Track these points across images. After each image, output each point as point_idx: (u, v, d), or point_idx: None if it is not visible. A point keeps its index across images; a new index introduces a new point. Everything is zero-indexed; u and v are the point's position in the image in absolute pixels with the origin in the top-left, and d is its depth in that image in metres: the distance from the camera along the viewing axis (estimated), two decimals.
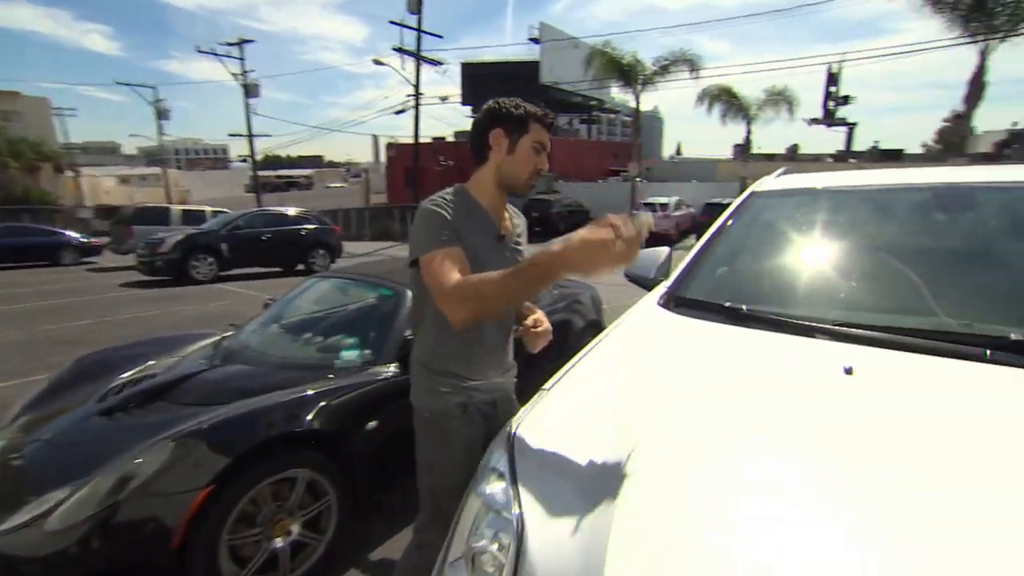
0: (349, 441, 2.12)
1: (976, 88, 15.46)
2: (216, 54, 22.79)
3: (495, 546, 0.81)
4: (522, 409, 1.09)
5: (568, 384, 1.17)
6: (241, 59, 23.10)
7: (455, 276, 1.15)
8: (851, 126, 26.03)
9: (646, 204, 18.27)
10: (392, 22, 20.90)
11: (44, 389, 2.55)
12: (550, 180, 23.50)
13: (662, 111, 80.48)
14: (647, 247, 1.43)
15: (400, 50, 21.23)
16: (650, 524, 0.72)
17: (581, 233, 0.95)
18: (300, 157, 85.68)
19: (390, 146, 32.90)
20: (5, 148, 26.00)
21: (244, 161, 28.97)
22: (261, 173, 30.58)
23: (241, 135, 24.38)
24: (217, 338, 2.95)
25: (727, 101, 21.84)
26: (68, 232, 14.96)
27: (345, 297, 3.18)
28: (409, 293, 2.67)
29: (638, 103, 20.74)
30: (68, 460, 1.87)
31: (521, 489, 0.85)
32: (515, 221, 1.49)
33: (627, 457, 0.86)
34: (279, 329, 2.94)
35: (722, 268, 1.81)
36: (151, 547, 1.64)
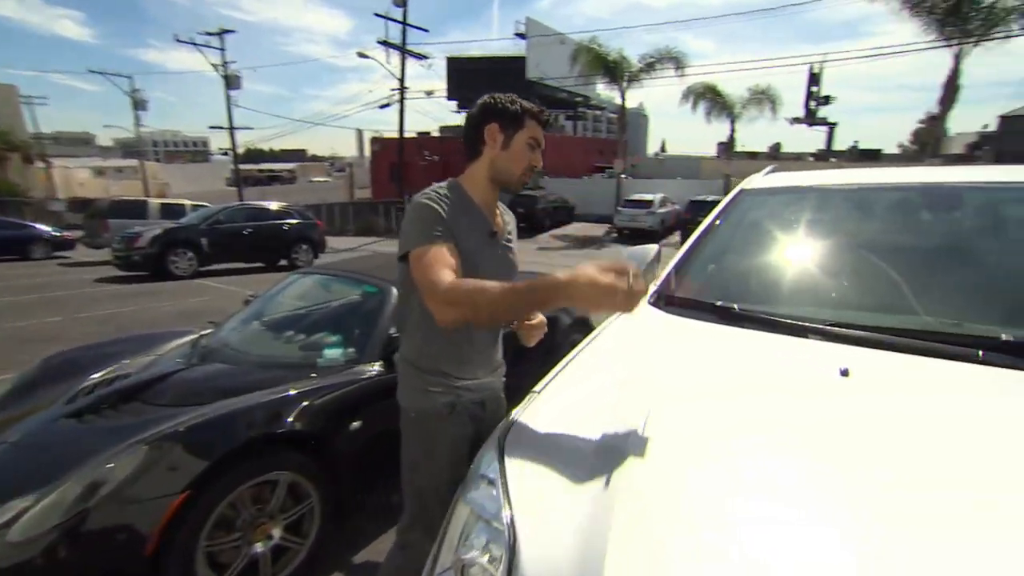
0: (332, 442, 2.07)
1: (950, 91, 15.83)
2: (196, 44, 22.23)
3: (485, 558, 0.77)
4: (513, 412, 1.06)
5: (559, 386, 1.14)
6: (222, 49, 22.58)
7: (446, 276, 1.12)
8: (832, 126, 26.49)
9: (631, 201, 18.32)
10: (377, 15, 20.64)
11: (8, 390, 2.44)
12: (536, 176, 23.48)
13: (647, 108, 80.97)
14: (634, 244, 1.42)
15: (385, 43, 20.97)
16: (649, 536, 0.69)
17: (591, 272, 0.94)
18: (283, 151, 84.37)
19: (374, 140, 32.55)
20: None
21: (225, 154, 28.34)
22: (243, 167, 30.01)
23: (222, 127, 23.88)
24: (195, 336, 2.86)
25: (712, 99, 21.99)
26: (39, 225, 14.48)
27: (328, 294, 3.11)
28: (394, 290, 2.65)
29: (624, 100, 20.78)
30: (33, 466, 1.78)
31: (513, 497, 0.81)
32: (505, 218, 1.46)
33: (623, 462, 0.84)
34: (260, 327, 2.86)
35: (712, 266, 1.80)
36: (123, 556, 1.57)
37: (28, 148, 29.02)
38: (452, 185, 1.33)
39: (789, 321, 1.29)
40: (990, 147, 26.83)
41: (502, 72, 29.27)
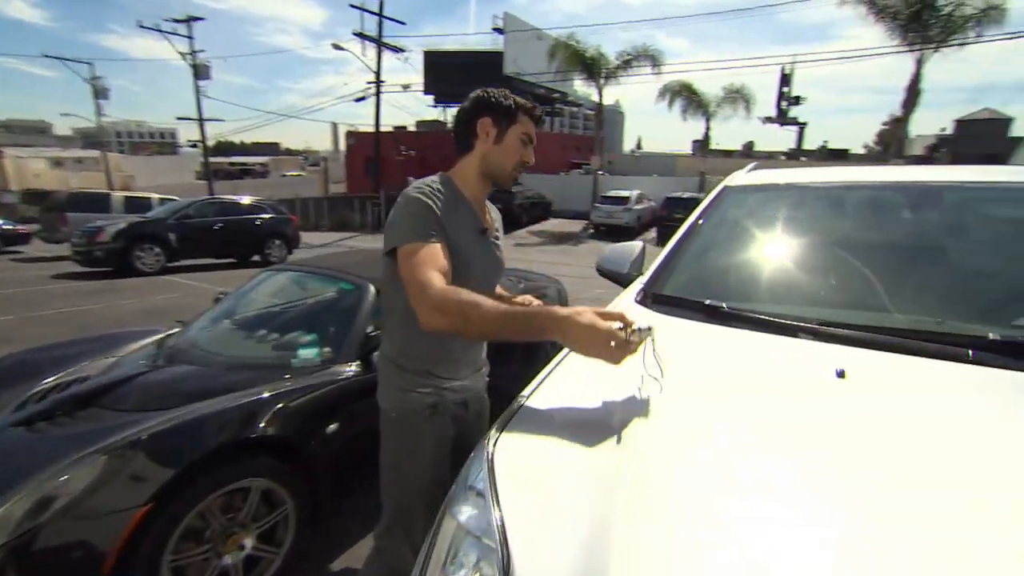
0: (308, 446, 1.99)
1: (912, 95, 16.47)
2: (161, 31, 21.38)
3: None
4: (500, 418, 1.00)
5: (549, 390, 1.09)
6: (190, 37, 21.79)
7: (438, 279, 1.09)
8: (802, 126, 27.21)
9: (607, 197, 18.43)
10: (353, 5, 20.26)
11: None
12: None
13: (623, 106, 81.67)
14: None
15: (361, 35, 20.61)
16: (656, 553, 0.65)
17: (592, 316, 0.97)
18: (255, 144, 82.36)
19: (350, 134, 32.01)
20: None
21: (194, 146, 27.23)
22: (213, 160, 29.13)
23: (191, 119, 23.05)
24: (161, 336, 2.72)
25: (687, 97, 22.25)
26: None
27: (303, 291, 3.00)
28: (371, 287, 2.57)
29: (601, 97, 20.86)
30: None
31: (505, 511, 0.76)
32: (493, 215, 1.43)
33: (620, 470, 0.80)
34: (231, 326, 2.74)
35: (698, 264, 1.77)
36: (79, 575, 1.46)
37: None
38: (444, 180, 1.29)
39: (780, 320, 1.27)
40: (947, 149, 27.97)
41: (479, 67, 29.05)
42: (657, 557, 0.65)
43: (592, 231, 18.57)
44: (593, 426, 0.93)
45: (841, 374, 1.00)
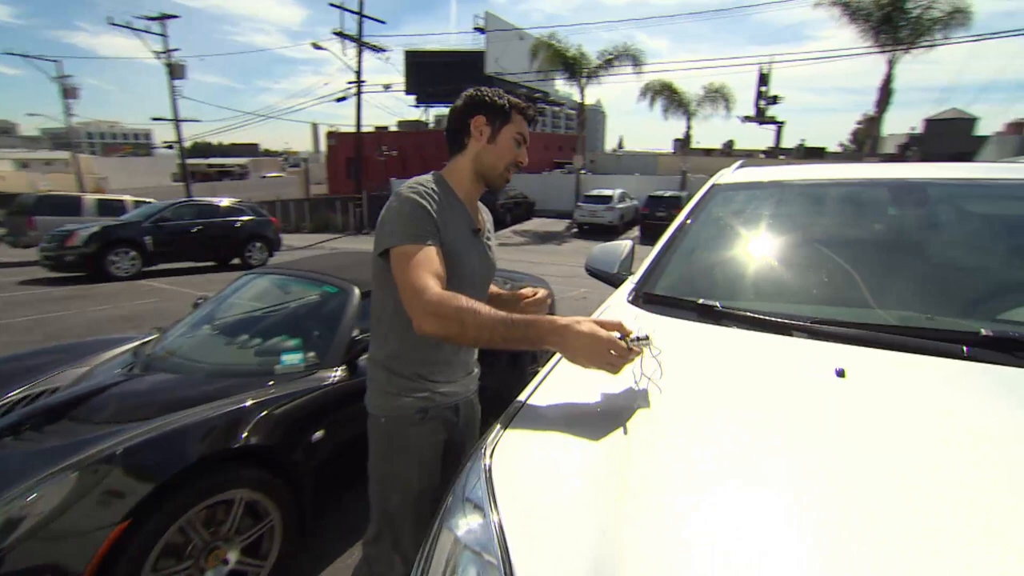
0: (293, 455, 1.93)
1: (885, 94, 16.99)
2: (134, 28, 20.81)
3: None
4: (495, 425, 0.97)
5: (545, 395, 1.06)
6: (163, 36, 21.27)
7: (434, 283, 1.07)
8: (780, 124, 27.64)
9: (590, 196, 18.50)
10: (332, 4, 19.97)
11: None
12: None
13: (604, 105, 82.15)
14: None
15: (340, 34, 20.34)
16: (665, 561, 0.62)
17: (591, 324, 0.97)
18: (233, 145, 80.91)
19: (331, 135, 31.64)
20: None
21: (170, 148, 26.60)
22: (190, 161, 28.48)
23: (166, 119, 22.47)
24: (137, 343, 2.62)
25: (668, 96, 22.47)
26: None
27: (286, 295, 2.92)
28: (356, 290, 2.51)
29: (583, 96, 20.93)
30: None
31: (506, 525, 0.72)
32: (484, 215, 1.41)
33: (624, 477, 0.77)
34: (211, 331, 2.66)
35: (689, 263, 1.76)
36: None
37: None
38: (438, 179, 1.27)
39: (774, 319, 1.26)
40: (917, 147, 28.76)
41: (461, 67, 28.96)
42: (669, 570, 0.62)
43: (576, 230, 18.62)
44: (593, 432, 0.90)
45: (841, 373, 0.99)
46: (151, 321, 5.45)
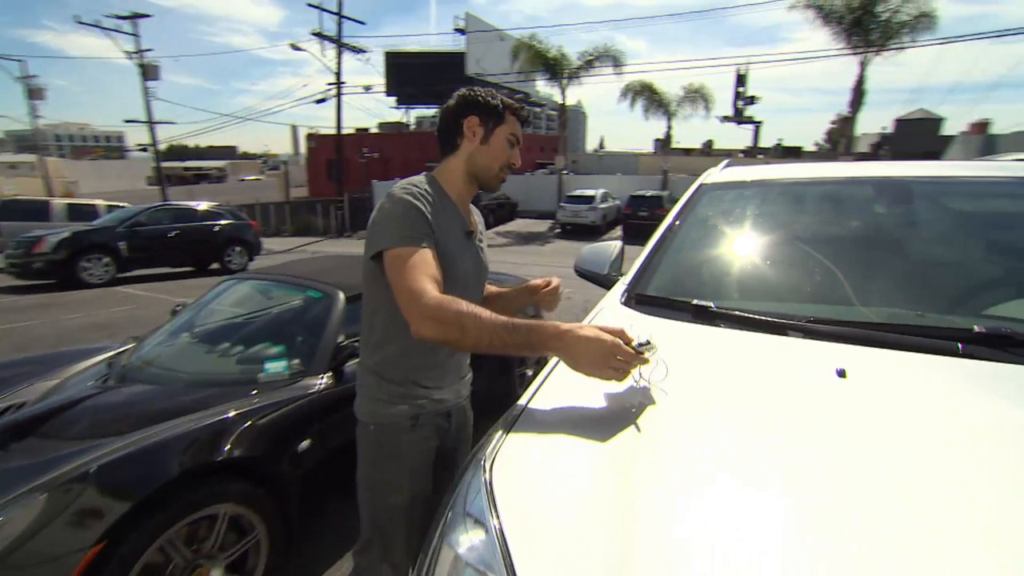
0: (279, 466, 1.87)
1: (858, 95, 17.54)
2: (103, 28, 20.22)
3: None
4: (493, 434, 0.94)
5: (546, 399, 1.03)
6: (135, 35, 20.72)
7: (432, 287, 1.05)
8: (757, 124, 28.05)
9: (572, 197, 18.56)
10: (310, 4, 19.73)
11: None
12: None
13: (585, 106, 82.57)
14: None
15: (319, 35, 20.09)
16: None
17: (596, 329, 0.96)
18: (210, 148, 79.56)
19: (310, 137, 31.26)
20: None
21: (144, 150, 25.81)
22: (166, 164, 27.80)
23: (139, 121, 21.90)
24: (112, 353, 2.53)
25: (649, 97, 22.62)
26: None
27: (268, 301, 2.84)
28: (341, 295, 2.45)
29: (564, 97, 20.98)
30: None
31: (510, 540, 0.69)
32: (476, 217, 1.38)
33: (630, 485, 0.75)
34: (191, 339, 2.57)
35: (680, 263, 1.75)
36: None
37: None
38: (431, 180, 1.24)
39: (769, 319, 1.25)
40: (889, 146, 29.54)
41: (442, 68, 28.88)
42: None
43: (559, 231, 18.66)
44: (597, 440, 0.87)
45: (842, 373, 0.98)
46: (127, 330, 5.29)
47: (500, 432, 0.94)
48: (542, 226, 19.76)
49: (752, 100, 25.43)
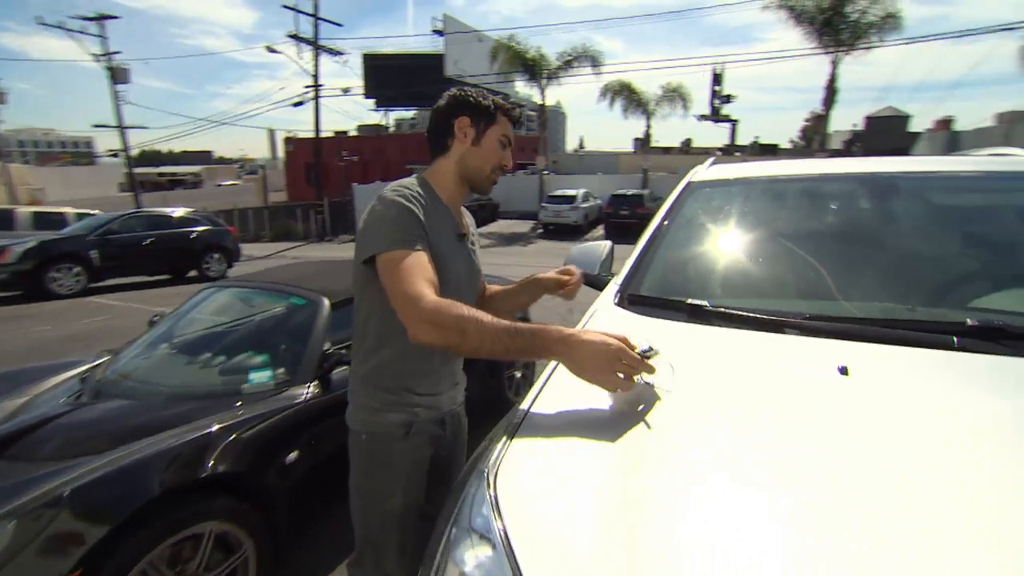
0: (266, 480, 1.81)
1: (830, 93, 18.08)
2: (68, 29, 19.58)
3: None
4: (498, 443, 0.90)
5: (548, 404, 1.00)
6: (102, 37, 20.13)
7: (429, 291, 1.02)
8: (734, 122, 28.47)
9: (554, 197, 18.61)
10: (286, 6, 19.47)
11: None
12: None
13: (564, 106, 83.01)
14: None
15: (296, 37, 19.84)
16: None
17: (601, 334, 0.95)
18: (185, 153, 77.88)
19: (288, 140, 30.82)
20: None
21: (115, 156, 25.01)
22: (139, 170, 27.07)
23: (109, 126, 21.32)
24: (86, 368, 2.43)
25: (628, 96, 22.88)
26: None
27: (250, 309, 2.76)
28: (325, 301, 2.40)
29: (543, 97, 21.06)
30: None
31: (520, 557, 0.66)
32: (467, 220, 1.35)
33: (643, 492, 0.72)
34: (170, 351, 2.49)
35: (672, 262, 1.74)
36: None
37: None
38: (422, 182, 1.22)
39: (767, 317, 1.24)
40: (860, 143, 30.29)
41: (420, 69, 28.72)
42: None
43: (541, 231, 18.69)
44: (605, 446, 0.85)
45: (844, 371, 0.98)
46: (101, 342, 5.12)
47: (503, 440, 0.90)
48: (524, 227, 19.76)
49: (728, 99, 25.80)
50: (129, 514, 1.41)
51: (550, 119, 24.57)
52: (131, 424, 1.80)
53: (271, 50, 20.31)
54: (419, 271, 1.05)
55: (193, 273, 10.31)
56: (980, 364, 1.00)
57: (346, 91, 24.73)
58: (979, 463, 0.73)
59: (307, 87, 20.47)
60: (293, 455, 1.90)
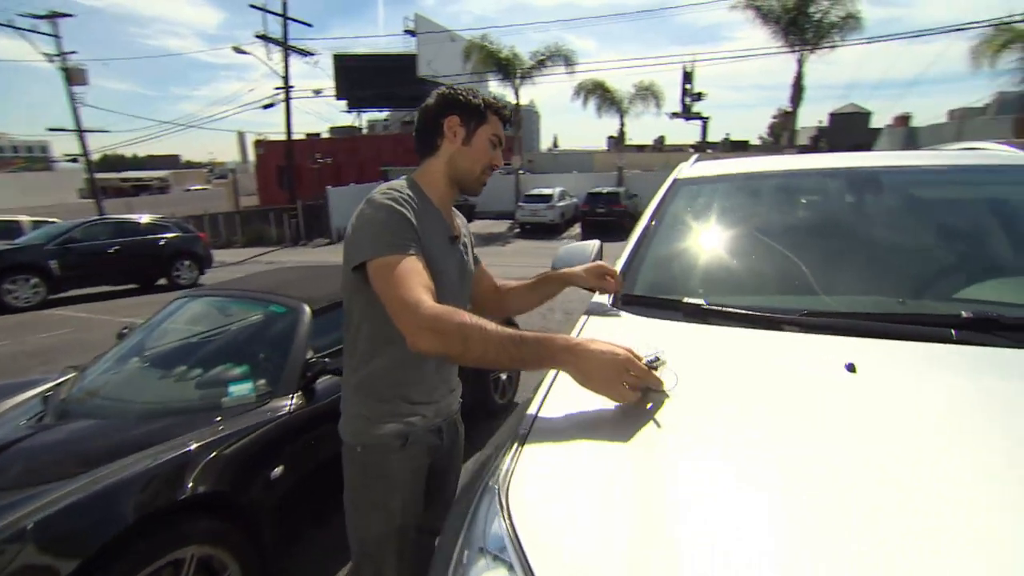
0: (250, 498, 1.73)
1: (797, 90, 18.65)
2: (17, 28, 18.61)
3: None
4: (507, 455, 0.85)
5: (556, 411, 0.95)
6: (56, 36, 19.23)
7: (427, 297, 0.98)
8: (705, 120, 28.96)
9: (530, 196, 18.61)
10: (253, 6, 18.99)
11: None
12: None
13: (537, 105, 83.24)
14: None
15: (264, 37, 19.39)
16: None
17: (609, 344, 0.92)
18: (150, 157, 75.49)
19: (259, 143, 30.12)
20: None
21: (75, 161, 23.95)
22: (101, 175, 26.09)
23: (66, 130, 20.41)
24: (49, 386, 2.29)
25: (601, 95, 23.01)
26: None
27: (227, 318, 2.65)
28: (307, 308, 2.31)
29: (517, 97, 21.04)
30: None
31: None
32: (459, 220, 1.31)
33: (665, 502, 0.69)
34: (143, 364, 2.36)
35: (664, 261, 1.73)
36: None
37: None
38: (412, 184, 1.17)
39: (766, 315, 1.23)
40: (826, 139, 31.20)
41: (393, 70, 28.43)
42: None
43: (518, 230, 18.68)
44: (621, 455, 0.80)
45: (851, 368, 0.96)
46: (65, 357, 4.88)
47: (512, 451, 0.85)
48: (501, 226, 19.70)
49: (699, 96, 26.23)
50: (101, 545, 1.32)
51: (525, 118, 24.60)
52: (101, 445, 1.69)
53: (239, 51, 19.80)
54: (415, 277, 1.01)
55: (163, 281, 9.99)
56: (981, 357, 1.00)
57: (318, 92, 24.31)
58: (998, 461, 0.72)
59: (277, 89, 20.04)
60: (278, 470, 1.82)
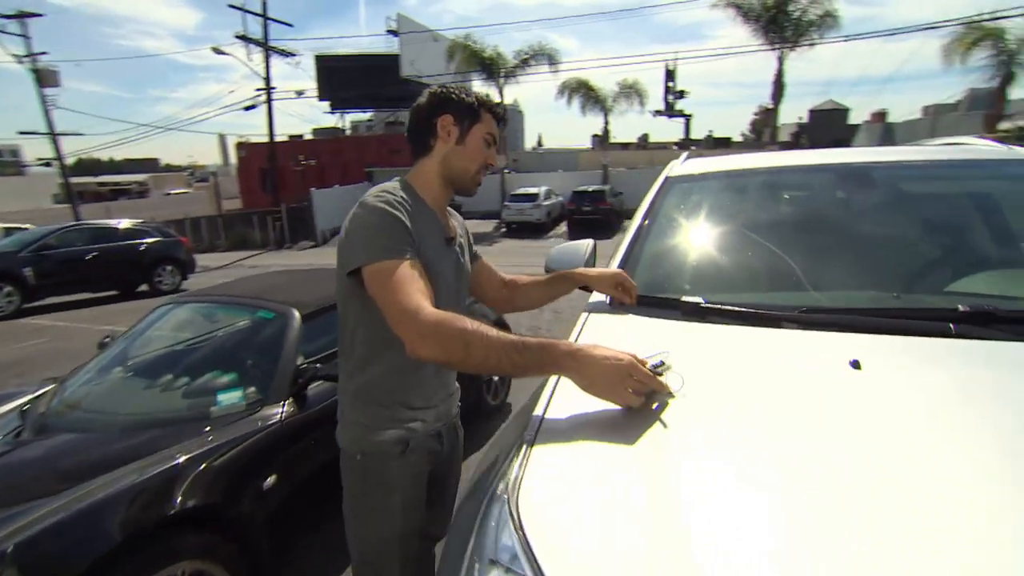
0: (242, 510, 1.68)
1: (778, 88, 18.96)
2: None
3: None
4: (514, 461, 0.82)
5: (562, 413, 0.93)
6: (25, 37, 18.67)
7: (426, 303, 0.96)
8: (688, 117, 29.23)
9: (516, 195, 18.59)
10: (232, 6, 18.70)
11: None
12: None
13: (521, 104, 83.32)
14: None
15: (244, 38, 19.11)
16: None
17: (612, 350, 0.91)
18: (129, 160, 73.95)
19: (241, 146, 29.64)
20: None
21: (48, 165, 23.31)
22: (76, 180, 25.45)
23: (38, 133, 19.83)
24: (26, 399, 2.21)
25: (585, 93, 23.10)
26: None
27: (214, 325, 2.59)
28: (296, 313, 2.26)
29: (502, 96, 20.99)
30: None
31: None
32: (455, 221, 1.28)
33: (680, 507, 0.68)
34: (126, 374, 2.30)
35: (658, 259, 1.72)
36: None
37: None
38: (405, 186, 1.15)
39: (764, 312, 1.22)
40: (807, 135, 31.72)
41: (376, 70, 28.18)
42: None
43: (504, 230, 18.64)
44: (630, 456, 0.79)
45: (856, 365, 0.96)
46: (42, 368, 4.74)
47: (519, 456, 0.82)
48: (487, 226, 19.65)
49: (682, 94, 26.47)
50: (88, 566, 1.27)
51: (509, 118, 24.56)
52: (85, 460, 1.63)
53: (218, 52, 19.49)
54: (412, 282, 0.99)
55: (144, 288, 9.77)
56: (980, 351, 1.01)
57: (300, 94, 24.04)
58: (1008, 462, 0.72)
59: (258, 90, 19.77)
60: (271, 480, 1.78)
